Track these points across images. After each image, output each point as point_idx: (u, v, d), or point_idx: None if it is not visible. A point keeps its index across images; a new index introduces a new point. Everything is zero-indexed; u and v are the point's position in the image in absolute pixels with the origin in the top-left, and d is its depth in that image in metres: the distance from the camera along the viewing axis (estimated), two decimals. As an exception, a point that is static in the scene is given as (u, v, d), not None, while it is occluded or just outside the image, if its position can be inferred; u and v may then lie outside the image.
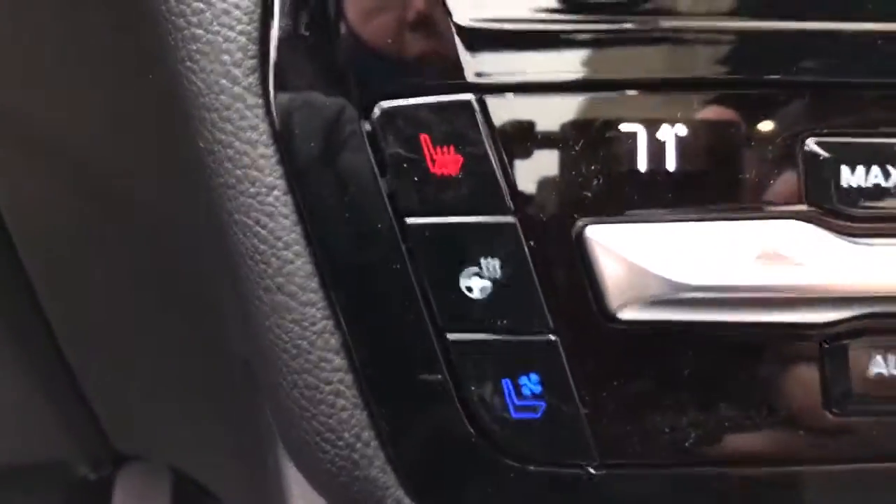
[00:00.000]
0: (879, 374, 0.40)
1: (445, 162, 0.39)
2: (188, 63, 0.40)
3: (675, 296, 0.38)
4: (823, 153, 0.39)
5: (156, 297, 0.67)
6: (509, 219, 0.39)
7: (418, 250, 0.39)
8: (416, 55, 0.38)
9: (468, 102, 0.38)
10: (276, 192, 0.40)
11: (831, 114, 0.39)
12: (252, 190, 0.40)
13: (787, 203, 0.39)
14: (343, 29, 0.39)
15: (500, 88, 0.38)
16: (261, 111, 0.39)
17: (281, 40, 0.39)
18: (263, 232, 0.40)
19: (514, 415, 0.40)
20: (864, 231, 0.39)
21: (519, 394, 0.40)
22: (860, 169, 0.39)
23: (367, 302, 0.40)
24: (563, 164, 0.39)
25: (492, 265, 0.39)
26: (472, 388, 0.40)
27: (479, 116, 0.38)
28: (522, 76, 0.39)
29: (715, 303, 0.39)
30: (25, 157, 0.57)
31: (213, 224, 0.42)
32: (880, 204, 0.39)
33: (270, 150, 0.40)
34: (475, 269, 0.39)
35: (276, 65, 0.39)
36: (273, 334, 0.41)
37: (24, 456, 0.85)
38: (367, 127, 0.39)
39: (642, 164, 0.39)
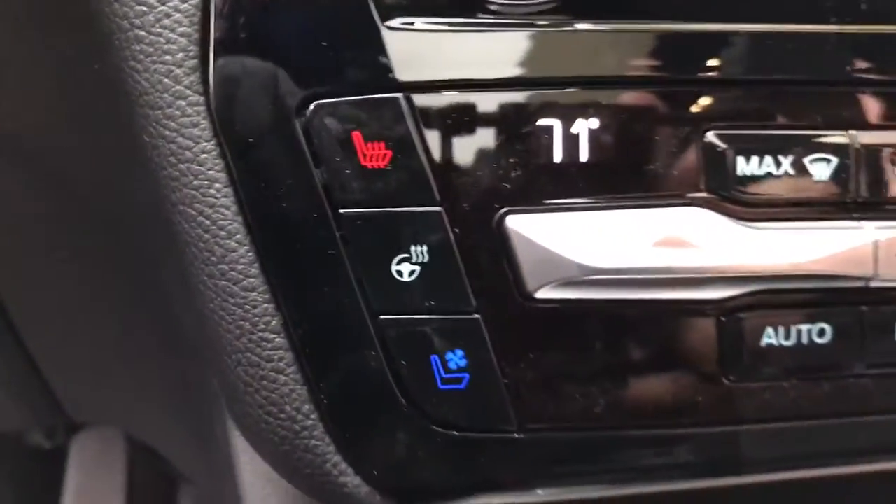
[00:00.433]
0: (770, 345, 0.44)
1: (376, 156, 0.41)
2: (132, 62, 0.41)
3: (585, 278, 0.42)
4: (721, 144, 0.42)
5: (106, 270, 0.68)
6: (436, 209, 0.41)
7: (352, 238, 0.42)
8: (347, 57, 0.41)
9: (396, 100, 0.41)
10: (217, 185, 0.42)
11: (729, 109, 0.42)
12: (195, 182, 0.42)
13: (688, 191, 0.42)
14: (277, 32, 0.41)
15: (426, 87, 0.41)
16: (202, 109, 0.41)
17: (219, 42, 0.41)
18: (207, 222, 0.42)
19: (441, 386, 0.43)
20: (756, 216, 0.43)
21: (445, 367, 0.43)
22: (754, 159, 0.42)
23: (306, 286, 0.43)
24: (485, 158, 0.41)
25: (420, 251, 0.42)
26: (403, 362, 0.43)
27: (406, 113, 0.41)
28: (446, 75, 0.41)
29: (621, 283, 0.42)
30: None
31: (160, 213, 0.44)
32: (772, 191, 0.43)
33: (211, 145, 0.42)
34: (405, 254, 0.42)
35: (215, 65, 0.41)
36: (217, 316, 0.43)
37: (-23, 428, 0.86)
38: (303, 124, 0.41)
39: (557, 157, 0.41)
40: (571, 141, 0.42)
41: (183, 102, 0.41)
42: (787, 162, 0.42)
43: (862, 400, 0.45)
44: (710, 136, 0.42)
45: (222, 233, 0.42)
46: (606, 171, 0.42)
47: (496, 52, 0.41)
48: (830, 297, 0.44)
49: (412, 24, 0.41)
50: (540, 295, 0.42)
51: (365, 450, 0.45)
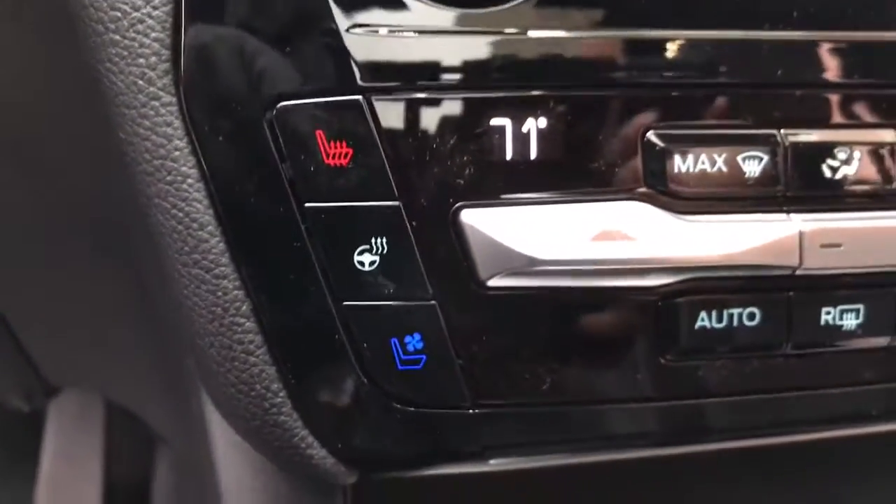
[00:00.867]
0: (703, 327, 0.47)
1: (338, 154, 0.44)
2: (108, 64, 0.44)
3: (533, 268, 0.45)
4: (660, 143, 0.45)
5: (87, 239, 0.69)
6: (394, 203, 0.44)
7: (316, 230, 0.44)
8: (310, 61, 0.43)
9: (357, 102, 0.43)
10: (189, 180, 0.44)
11: (667, 110, 0.45)
12: (169, 178, 0.44)
13: (629, 187, 0.45)
14: (244, 38, 0.43)
15: (385, 90, 0.43)
16: (174, 109, 0.44)
17: (190, 47, 0.43)
18: (180, 214, 0.45)
19: (400, 367, 0.46)
20: (692, 209, 0.46)
21: (404, 349, 0.46)
22: (690, 157, 0.46)
23: (273, 275, 0.45)
24: (441, 156, 0.44)
25: (380, 243, 0.45)
26: (365, 345, 0.46)
27: (366, 114, 0.43)
28: (404, 78, 0.44)
29: (567, 273, 0.45)
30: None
31: (136, 203, 0.47)
32: (706, 186, 0.46)
33: (184, 143, 0.44)
34: (366, 246, 0.45)
35: (186, 69, 0.43)
36: (191, 301, 0.46)
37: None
38: (269, 124, 0.43)
39: (508, 155, 0.44)
40: (522, 140, 0.44)
41: (156, 103, 0.44)
42: (720, 159, 0.46)
43: (788, 377, 0.49)
44: (650, 136, 0.45)
45: (195, 224, 0.45)
46: (554, 168, 0.45)
47: (452, 57, 0.44)
48: (760, 283, 0.47)
49: (374, 29, 0.43)
50: (492, 283, 0.45)
51: (330, 425, 0.48)
